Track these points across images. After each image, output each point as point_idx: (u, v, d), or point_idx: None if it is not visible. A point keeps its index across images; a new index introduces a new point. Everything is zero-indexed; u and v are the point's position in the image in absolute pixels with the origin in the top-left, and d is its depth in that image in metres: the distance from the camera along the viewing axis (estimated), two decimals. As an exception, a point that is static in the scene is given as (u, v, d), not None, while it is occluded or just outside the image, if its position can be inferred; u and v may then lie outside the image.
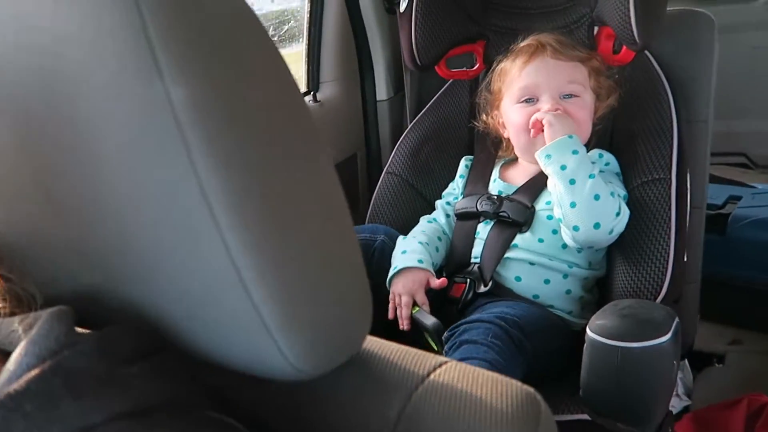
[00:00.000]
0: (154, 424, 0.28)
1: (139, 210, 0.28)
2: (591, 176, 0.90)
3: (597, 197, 0.89)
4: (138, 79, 0.25)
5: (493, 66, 1.08)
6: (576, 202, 0.89)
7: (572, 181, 0.89)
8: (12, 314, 0.35)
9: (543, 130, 0.95)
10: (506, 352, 0.78)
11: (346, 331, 0.34)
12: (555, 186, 0.92)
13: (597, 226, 0.89)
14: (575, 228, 0.90)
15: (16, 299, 0.36)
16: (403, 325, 0.93)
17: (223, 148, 0.26)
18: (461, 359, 0.75)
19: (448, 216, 1.09)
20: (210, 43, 0.26)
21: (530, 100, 1.00)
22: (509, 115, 1.03)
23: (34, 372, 0.27)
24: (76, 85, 0.27)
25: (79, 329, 0.32)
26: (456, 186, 1.12)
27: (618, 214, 0.91)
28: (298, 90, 0.30)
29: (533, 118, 0.96)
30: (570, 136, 0.92)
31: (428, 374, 0.35)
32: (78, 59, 0.26)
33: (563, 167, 0.90)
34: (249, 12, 0.28)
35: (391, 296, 0.95)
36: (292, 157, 0.29)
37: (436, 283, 0.95)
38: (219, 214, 0.26)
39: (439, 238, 1.05)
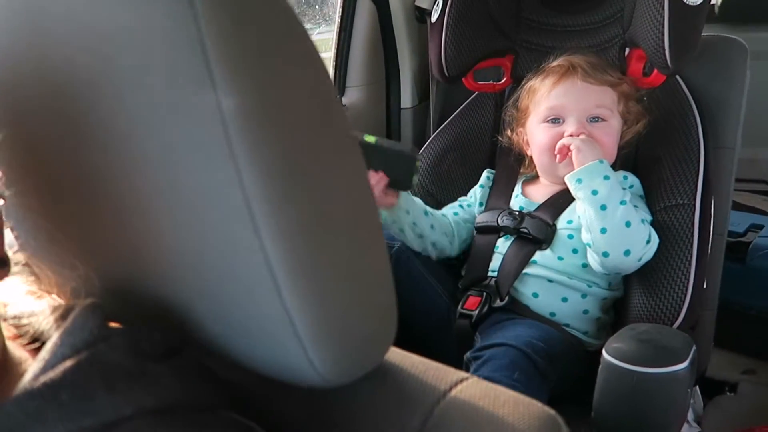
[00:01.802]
0: (178, 422, 0.28)
1: (180, 211, 0.29)
2: (623, 203, 0.90)
3: (628, 224, 0.88)
4: (190, 87, 0.26)
5: (523, 83, 1.08)
6: (607, 228, 0.88)
7: (603, 207, 0.89)
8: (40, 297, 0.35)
9: (569, 155, 0.94)
10: (531, 388, 0.77)
11: (372, 341, 0.34)
12: (585, 211, 0.91)
13: (627, 253, 0.88)
14: (605, 254, 0.89)
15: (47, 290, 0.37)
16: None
17: (268, 157, 0.26)
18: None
19: (456, 214, 1.08)
20: (262, 55, 0.26)
21: (556, 121, 0.99)
22: (534, 134, 1.03)
23: (69, 362, 0.27)
24: (124, 87, 0.27)
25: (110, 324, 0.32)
26: (474, 194, 1.11)
27: (648, 241, 0.90)
28: (339, 101, 0.31)
29: (560, 144, 0.96)
30: (601, 161, 0.92)
31: (450, 389, 0.35)
32: (128, 63, 0.27)
33: (594, 192, 0.90)
34: (298, 25, 0.28)
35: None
36: (332, 168, 0.29)
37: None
38: (260, 221, 0.27)
39: (432, 225, 1.03)
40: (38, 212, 0.34)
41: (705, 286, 0.92)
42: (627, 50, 1.06)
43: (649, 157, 1.02)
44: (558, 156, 0.97)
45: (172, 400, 0.29)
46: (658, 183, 0.98)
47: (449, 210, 1.09)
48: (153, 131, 0.27)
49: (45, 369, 0.27)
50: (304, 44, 0.29)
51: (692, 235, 0.91)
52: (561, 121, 0.99)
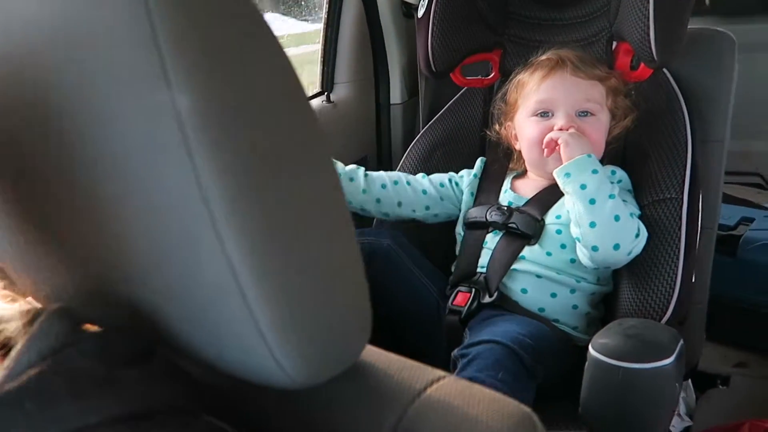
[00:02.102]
0: (151, 428, 0.28)
1: (141, 212, 0.28)
2: (611, 196, 0.89)
3: (617, 218, 0.88)
4: (146, 86, 0.25)
5: (511, 77, 1.08)
6: (596, 222, 0.88)
7: (592, 201, 0.89)
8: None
9: (556, 150, 0.94)
10: (516, 387, 0.77)
11: (344, 341, 0.33)
12: (574, 205, 0.90)
13: (617, 247, 0.88)
14: (594, 248, 0.89)
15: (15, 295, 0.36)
16: None
17: (226, 156, 0.26)
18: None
19: (443, 186, 1.08)
20: (218, 53, 0.26)
21: (545, 114, 0.99)
22: (523, 128, 1.02)
23: (34, 370, 0.27)
24: (84, 88, 0.27)
25: (79, 326, 0.32)
26: (465, 175, 1.10)
27: (637, 235, 0.90)
28: (306, 99, 0.30)
29: (548, 137, 0.95)
30: (589, 156, 0.92)
31: (425, 388, 0.35)
32: (87, 63, 0.26)
33: (583, 186, 0.89)
34: (260, 20, 0.28)
35: None
36: (296, 167, 0.29)
37: None
38: (219, 221, 0.26)
39: (409, 182, 1.06)
40: (14, 217, 0.34)
41: (693, 280, 0.92)
42: (614, 44, 1.06)
43: (636, 152, 1.02)
44: (546, 150, 0.96)
45: (144, 406, 0.28)
46: (646, 177, 0.98)
47: (436, 179, 1.09)
48: (114, 132, 0.27)
49: (10, 377, 0.27)
50: (267, 42, 0.28)
51: (680, 229, 0.91)
52: (550, 114, 0.99)
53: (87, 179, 0.28)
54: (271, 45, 0.28)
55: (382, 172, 1.07)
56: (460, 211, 1.08)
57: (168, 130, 0.25)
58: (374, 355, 0.38)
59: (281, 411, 0.36)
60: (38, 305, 0.34)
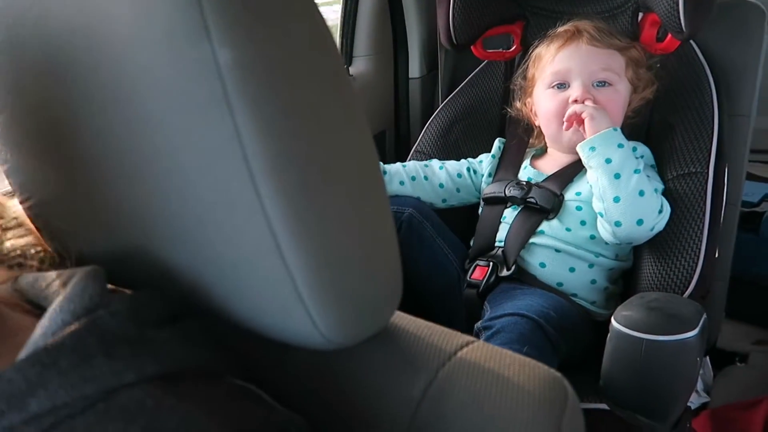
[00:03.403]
0: (183, 388, 0.28)
1: (179, 171, 0.28)
2: (636, 171, 0.89)
3: (642, 193, 0.87)
4: (186, 39, 0.25)
5: (530, 51, 1.06)
6: (620, 196, 0.87)
7: (617, 176, 0.88)
8: (47, 269, 0.35)
9: (579, 124, 0.93)
10: (541, 360, 0.77)
11: (377, 303, 0.34)
12: (598, 179, 0.89)
13: (640, 222, 0.87)
14: (617, 223, 0.88)
15: (51, 255, 0.37)
16: None
17: (267, 113, 0.25)
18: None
19: (460, 176, 1.08)
20: (259, 7, 0.25)
21: (562, 86, 0.98)
22: (540, 101, 1.01)
23: (69, 329, 0.27)
24: (123, 44, 0.27)
25: (111, 289, 0.32)
26: (484, 163, 1.10)
27: (660, 211, 0.89)
28: (342, 61, 0.30)
29: (570, 111, 0.94)
30: (615, 129, 0.90)
31: (455, 352, 0.35)
32: (126, 17, 0.26)
33: (608, 161, 0.88)
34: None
35: None
36: (334, 127, 0.29)
37: None
38: (259, 180, 0.26)
39: (426, 177, 1.06)
40: (45, 175, 0.34)
41: (717, 256, 0.91)
42: (640, 15, 1.03)
43: (661, 125, 1.00)
44: (565, 123, 0.95)
45: (176, 366, 0.29)
46: (671, 151, 0.96)
47: (453, 170, 1.08)
48: (153, 89, 0.27)
49: (45, 336, 0.27)
50: (308, 6, 0.28)
51: (704, 204, 0.89)
52: (566, 86, 0.97)
53: (129, 139, 0.29)
54: (310, 6, 0.28)
55: (400, 167, 1.06)
56: (479, 198, 1.08)
57: (209, 84, 0.25)
58: (404, 320, 0.38)
59: (310, 374, 0.37)
60: (74, 268, 0.35)
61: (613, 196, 0.87)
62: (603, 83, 0.96)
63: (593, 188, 0.91)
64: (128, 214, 0.32)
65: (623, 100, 0.97)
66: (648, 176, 0.92)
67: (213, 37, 0.24)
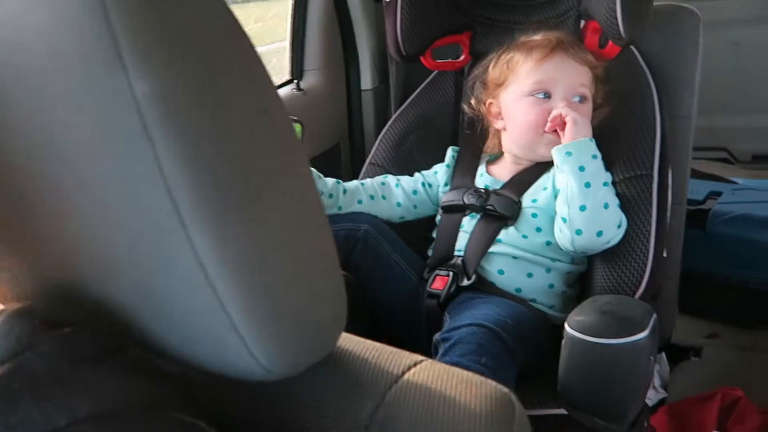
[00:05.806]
0: (121, 427, 0.27)
1: (104, 205, 0.27)
2: (605, 184, 0.91)
3: (606, 206, 0.89)
4: (102, 71, 0.24)
5: (492, 56, 1.06)
6: (587, 206, 0.89)
7: (588, 185, 0.89)
8: None
9: (561, 128, 0.93)
10: (499, 370, 0.78)
11: (320, 329, 0.33)
12: (568, 185, 0.91)
13: (600, 234, 0.89)
14: (578, 232, 0.89)
15: None
16: None
17: (189, 142, 0.25)
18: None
19: (416, 193, 1.08)
20: (175, 35, 0.25)
21: (542, 96, 0.98)
22: (514, 108, 1.01)
23: None
24: (43, 78, 0.26)
25: (43, 326, 0.31)
26: (440, 170, 1.10)
27: (619, 226, 0.91)
28: (271, 83, 0.29)
29: (555, 112, 0.94)
30: (591, 139, 0.92)
31: (402, 373, 0.35)
32: (43, 50, 0.25)
33: (582, 168, 0.90)
34: (219, 2, 0.27)
35: None
36: (263, 151, 0.28)
37: None
38: (184, 211, 0.25)
39: (384, 197, 1.06)
40: None
41: (666, 255, 0.93)
42: (582, 23, 1.06)
43: (607, 131, 1.02)
44: (549, 124, 0.95)
45: (114, 404, 0.28)
46: (618, 155, 0.98)
47: (409, 187, 1.08)
48: (74, 122, 0.26)
49: None
50: (230, 28, 0.27)
51: (651, 206, 0.92)
52: (548, 96, 0.98)
53: (53, 175, 0.27)
54: (232, 28, 0.27)
55: (359, 185, 1.06)
56: (436, 210, 1.08)
57: (128, 117, 0.24)
58: (351, 342, 0.38)
59: (257, 403, 0.36)
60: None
61: (580, 204, 0.89)
62: (580, 98, 0.98)
63: (561, 192, 0.92)
64: (63, 250, 0.31)
65: (590, 116, 0.99)
66: (614, 191, 0.93)
67: (128, 66, 0.24)
